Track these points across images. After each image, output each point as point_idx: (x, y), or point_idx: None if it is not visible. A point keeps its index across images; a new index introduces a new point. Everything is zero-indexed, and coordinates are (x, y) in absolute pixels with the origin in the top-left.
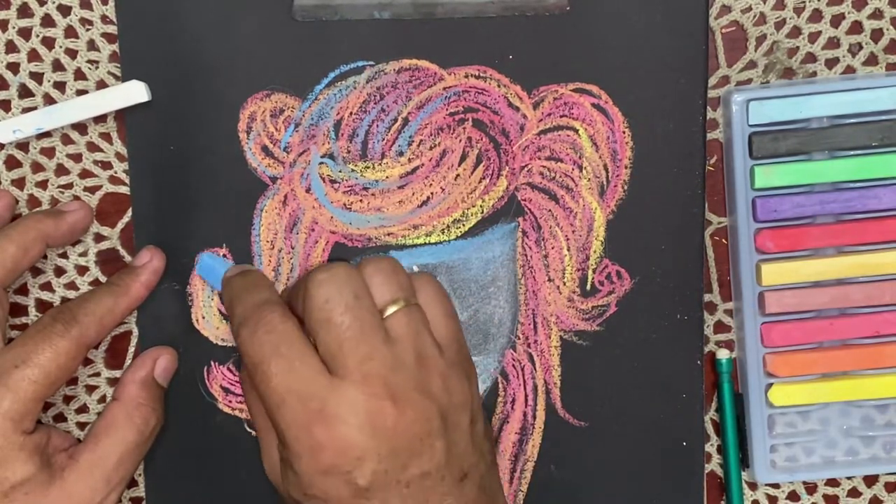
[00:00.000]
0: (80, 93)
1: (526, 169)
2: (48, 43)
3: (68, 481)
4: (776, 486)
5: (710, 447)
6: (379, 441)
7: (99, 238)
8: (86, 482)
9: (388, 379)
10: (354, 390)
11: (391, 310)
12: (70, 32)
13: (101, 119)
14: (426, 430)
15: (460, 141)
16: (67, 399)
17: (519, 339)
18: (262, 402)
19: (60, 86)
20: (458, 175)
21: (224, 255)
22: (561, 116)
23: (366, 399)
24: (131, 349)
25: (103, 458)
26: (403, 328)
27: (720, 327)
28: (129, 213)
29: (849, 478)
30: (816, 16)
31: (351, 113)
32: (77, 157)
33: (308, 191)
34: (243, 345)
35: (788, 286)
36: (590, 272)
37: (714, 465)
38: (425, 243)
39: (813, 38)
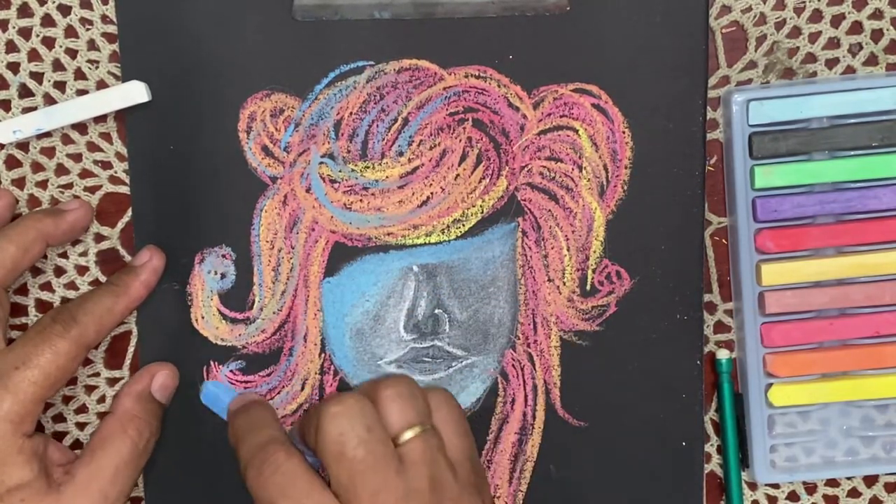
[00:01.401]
0: (80, 93)
1: (526, 169)
2: (48, 43)
3: (66, 495)
4: (776, 486)
5: (710, 447)
6: None
7: (99, 238)
8: (83, 497)
9: None
10: None
11: (407, 436)
12: (70, 32)
13: (101, 119)
14: None
15: (460, 141)
16: (67, 399)
17: (519, 339)
18: None
19: (60, 86)
20: (458, 175)
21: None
22: (561, 116)
23: None
24: (131, 349)
25: (99, 471)
26: (418, 454)
27: (720, 327)
28: (129, 213)
29: (849, 478)
30: (816, 16)
31: (351, 113)
32: (77, 157)
33: (308, 190)
34: (252, 486)
35: (788, 286)
36: (590, 272)
37: (714, 465)
38: (425, 243)
39: (813, 38)
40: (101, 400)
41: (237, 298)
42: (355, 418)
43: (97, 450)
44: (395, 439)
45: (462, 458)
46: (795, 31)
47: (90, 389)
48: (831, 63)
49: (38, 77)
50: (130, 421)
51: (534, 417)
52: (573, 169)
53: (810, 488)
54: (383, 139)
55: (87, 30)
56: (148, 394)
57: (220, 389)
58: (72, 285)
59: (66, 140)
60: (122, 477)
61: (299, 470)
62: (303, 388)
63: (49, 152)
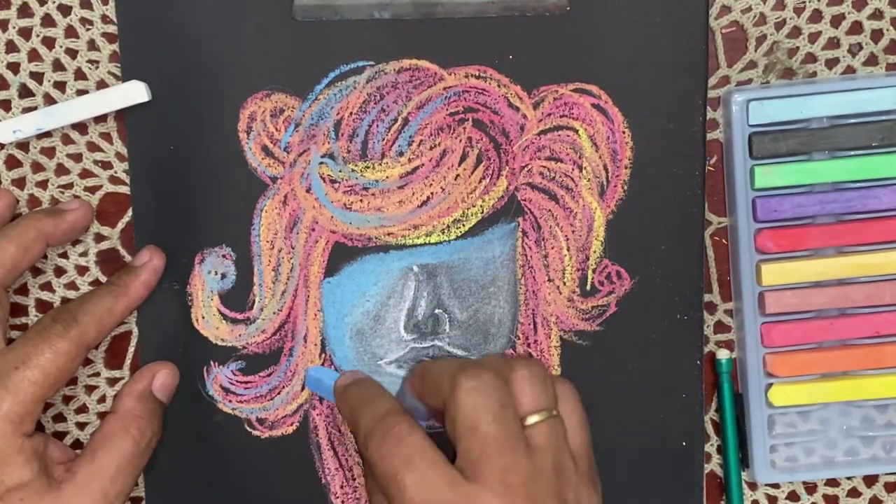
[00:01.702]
0: (81, 93)
1: (526, 169)
2: (48, 43)
3: (66, 493)
4: (776, 486)
5: (710, 447)
6: None
7: (99, 238)
8: (83, 496)
9: (527, 488)
10: (493, 499)
11: (534, 419)
12: (70, 32)
13: (101, 119)
14: None
15: (460, 141)
16: (67, 399)
17: (519, 338)
18: None
19: (60, 86)
20: (458, 175)
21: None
22: (561, 116)
23: None
24: (131, 349)
25: (100, 470)
26: (546, 438)
27: (720, 327)
28: (129, 213)
29: (849, 478)
30: (816, 16)
31: (351, 113)
32: (77, 157)
33: (308, 191)
34: (373, 457)
35: (788, 286)
36: (590, 272)
37: (714, 465)
38: (425, 243)
39: (813, 38)
40: (102, 400)
41: (237, 298)
42: (490, 394)
43: (98, 449)
44: (522, 420)
45: (582, 450)
46: (795, 31)
47: (90, 389)
48: (831, 63)
49: (38, 77)
50: (132, 420)
51: None
52: (573, 169)
53: (810, 488)
54: (383, 139)
55: (87, 30)
56: (149, 393)
57: (323, 374)
58: (72, 285)
59: (66, 140)
60: (123, 476)
61: (424, 443)
62: (303, 389)
63: (49, 152)
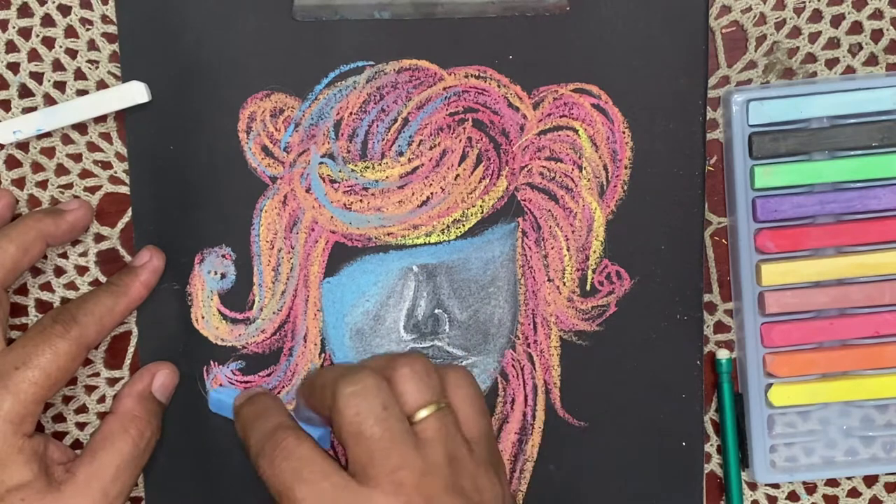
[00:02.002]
0: (80, 93)
1: (526, 169)
2: (48, 43)
3: (66, 494)
4: (776, 486)
5: (710, 447)
6: None
7: (99, 238)
8: (84, 496)
9: (419, 484)
10: (386, 498)
11: (422, 414)
12: (70, 32)
13: (101, 119)
14: None
15: (460, 141)
16: (67, 399)
17: (519, 339)
18: None
19: (60, 86)
20: (457, 175)
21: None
22: (561, 116)
23: None
24: (131, 349)
25: (100, 470)
26: (435, 432)
27: (720, 327)
28: (129, 213)
29: (849, 478)
30: (816, 16)
31: (351, 113)
32: (77, 157)
33: (308, 191)
34: (265, 474)
35: (788, 286)
36: (589, 272)
37: (714, 465)
38: (425, 243)
39: (813, 38)
40: (101, 400)
41: (237, 298)
42: (371, 397)
43: (98, 449)
44: (410, 417)
45: (478, 436)
46: (795, 31)
47: (90, 389)
48: (831, 63)
49: (38, 77)
50: (132, 421)
51: (534, 417)
52: (573, 169)
53: (810, 488)
54: (383, 139)
55: (87, 30)
56: (149, 393)
57: (224, 394)
58: (72, 285)
59: (66, 140)
60: (123, 476)
61: (312, 453)
62: None
63: (49, 152)
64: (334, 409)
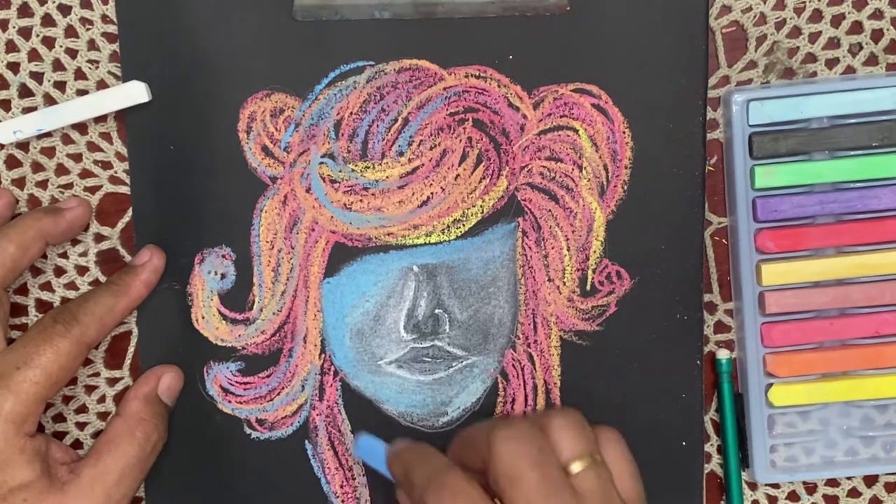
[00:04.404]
0: (81, 93)
1: (526, 169)
2: (48, 43)
3: (69, 494)
4: (776, 486)
5: (710, 447)
6: None
7: (99, 238)
8: (87, 497)
9: None
10: None
11: (578, 466)
12: (70, 32)
13: (101, 119)
14: None
15: (460, 141)
16: (67, 399)
17: (519, 339)
18: None
19: (61, 85)
20: (458, 175)
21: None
22: (561, 116)
23: None
24: (131, 349)
25: (105, 473)
26: (593, 485)
27: (720, 327)
28: (129, 212)
29: (849, 478)
30: (816, 16)
31: (351, 113)
32: (77, 157)
33: (308, 191)
34: None
35: (788, 286)
36: (590, 272)
37: (714, 465)
38: (425, 243)
39: (813, 38)
40: (101, 400)
41: (237, 299)
42: (527, 442)
43: (104, 451)
44: (565, 468)
45: (634, 498)
46: (795, 31)
47: (90, 389)
48: (831, 63)
49: (38, 77)
50: (138, 424)
51: None
52: (573, 169)
53: (810, 488)
54: (383, 139)
55: (87, 30)
56: (155, 396)
57: (372, 441)
58: (72, 285)
59: (66, 140)
60: (128, 479)
61: (479, 494)
62: (303, 389)
63: (49, 152)
64: (490, 455)
